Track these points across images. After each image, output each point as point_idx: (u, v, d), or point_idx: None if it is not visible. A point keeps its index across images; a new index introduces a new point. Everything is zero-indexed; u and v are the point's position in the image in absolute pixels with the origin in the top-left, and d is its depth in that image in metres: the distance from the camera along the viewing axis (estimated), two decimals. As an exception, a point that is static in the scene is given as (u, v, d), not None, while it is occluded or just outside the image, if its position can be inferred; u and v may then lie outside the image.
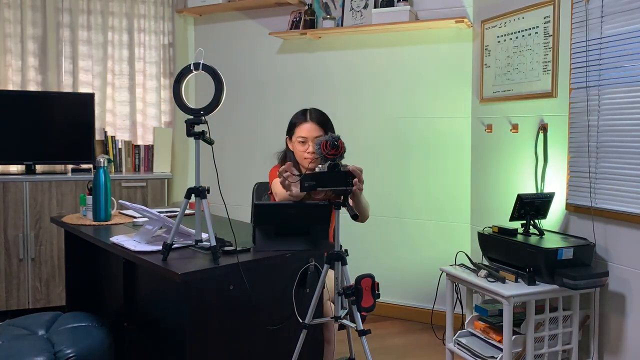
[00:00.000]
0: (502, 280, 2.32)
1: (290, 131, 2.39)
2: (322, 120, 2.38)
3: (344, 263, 1.84)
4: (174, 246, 1.87)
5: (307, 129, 2.32)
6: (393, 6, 3.32)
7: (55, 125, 3.61)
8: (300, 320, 1.88)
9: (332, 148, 1.80)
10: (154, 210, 2.08)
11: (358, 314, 1.80)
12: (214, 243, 1.74)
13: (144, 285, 2.18)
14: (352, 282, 1.78)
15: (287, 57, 3.83)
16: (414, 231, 3.48)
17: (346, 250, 1.86)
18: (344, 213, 1.86)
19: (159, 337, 2.09)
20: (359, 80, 3.61)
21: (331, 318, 1.93)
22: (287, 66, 3.83)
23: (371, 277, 1.79)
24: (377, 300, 1.82)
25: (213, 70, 1.82)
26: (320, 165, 1.84)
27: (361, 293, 1.76)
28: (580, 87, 2.44)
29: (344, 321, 1.88)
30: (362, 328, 1.81)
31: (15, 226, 3.39)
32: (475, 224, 3.25)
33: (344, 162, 1.87)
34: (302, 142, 2.33)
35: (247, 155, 4.01)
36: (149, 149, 3.99)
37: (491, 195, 3.09)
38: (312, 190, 1.82)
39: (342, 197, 1.85)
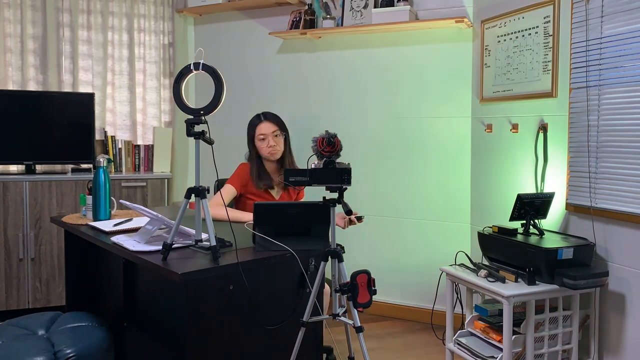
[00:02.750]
0: (502, 280, 2.32)
1: (251, 134, 2.74)
2: (276, 119, 2.75)
3: (340, 260, 1.85)
4: (174, 246, 1.87)
5: (263, 127, 2.70)
6: (393, 6, 3.32)
7: (55, 125, 3.61)
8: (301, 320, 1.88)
9: (328, 145, 1.82)
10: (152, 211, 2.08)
11: (355, 310, 1.81)
12: (214, 243, 1.74)
13: (144, 285, 2.18)
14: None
15: (287, 57, 3.83)
16: (414, 231, 3.48)
17: (342, 248, 1.87)
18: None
19: (159, 337, 2.09)
20: (359, 80, 3.61)
21: (329, 316, 1.93)
22: (287, 66, 3.83)
23: (367, 273, 1.80)
24: (373, 296, 1.83)
25: (213, 70, 1.82)
26: (315, 162, 1.85)
27: (357, 289, 1.77)
28: (580, 87, 2.44)
29: (342, 318, 1.89)
30: (359, 324, 1.82)
31: (15, 226, 3.39)
32: (475, 224, 3.25)
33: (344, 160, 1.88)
34: (263, 139, 2.69)
35: (246, 155, 4.01)
36: (149, 148, 3.99)
37: (491, 195, 3.09)
38: (294, 186, 1.87)
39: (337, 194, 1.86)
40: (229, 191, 2.65)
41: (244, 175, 2.73)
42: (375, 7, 3.41)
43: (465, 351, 2.43)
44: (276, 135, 2.70)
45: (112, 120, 3.99)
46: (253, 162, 2.73)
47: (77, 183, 3.52)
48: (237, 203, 2.77)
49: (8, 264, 3.39)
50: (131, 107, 4.01)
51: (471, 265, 2.56)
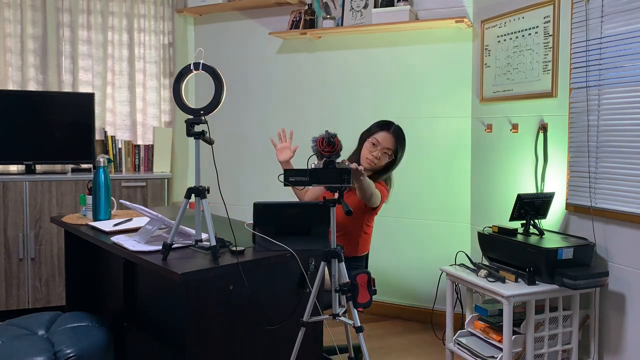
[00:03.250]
0: (502, 280, 2.32)
1: (370, 131, 2.56)
2: (400, 138, 2.54)
3: (340, 260, 1.85)
4: (174, 246, 1.87)
5: (383, 136, 2.51)
6: (393, 6, 3.32)
7: (55, 125, 3.61)
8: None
9: (328, 145, 1.82)
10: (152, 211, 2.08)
11: (355, 310, 1.81)
12: (214, 243, 1.74)
13: (144, 285, 2.18)
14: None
15: (287, 57, 3.83)
16: (414, 231, 3.48)
17: (342, 248, 1.87)
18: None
19: (159, 336, 2.09)
20: (359, 80, 3.61)
21: (329, 316, 1.93)
22: (287, 66, 3.83)
23: (367, 273, 1.80)
24: (373, 296, 1.83)
25: (213, 70, 1.82)
26: (315, 162, 1.85)
27: (357, 289, 1.77)
28: (580, 87, 2.44)
29: (342, 318, 1.89)
30: (359, 324, 1.82)
31: (15, 226, 3.39)
32: (475, 224, 3.25)
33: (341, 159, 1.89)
34: (373, 144, 2.51)
35: (247, 155, 4.01)
36: (149, 148, 3.99)
37: (491, 195, 3.09)
38: (298, 186, 1.87)
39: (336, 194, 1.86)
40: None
41: None
42: (375, 7, 3.40)
43: (465, 351, 2.43)
44: (385, 152, 2.51)
45: (112, 120, 3.99)
46: (351, 158, 2.56)
47: (77, 183, 3.52)
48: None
49: (8, 264, 3.39)
50: (131, 107, 4.01)
51: (471, 265, 2.56)
